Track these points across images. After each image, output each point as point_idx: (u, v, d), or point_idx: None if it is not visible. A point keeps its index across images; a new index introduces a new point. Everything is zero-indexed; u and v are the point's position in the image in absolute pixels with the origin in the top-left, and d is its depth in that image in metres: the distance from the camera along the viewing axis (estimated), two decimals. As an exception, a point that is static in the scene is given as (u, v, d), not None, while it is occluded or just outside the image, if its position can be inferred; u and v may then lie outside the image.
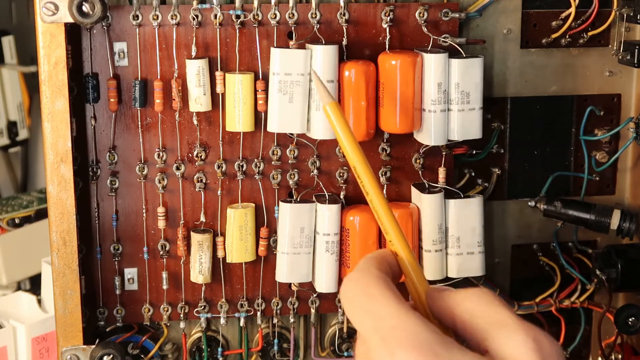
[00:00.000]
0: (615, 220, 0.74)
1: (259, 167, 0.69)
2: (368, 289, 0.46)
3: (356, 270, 0.48)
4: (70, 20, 0.62)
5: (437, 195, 0.69)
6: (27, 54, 1.22)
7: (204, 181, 0.69)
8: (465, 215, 0.70)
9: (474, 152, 0.72)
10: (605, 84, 0.76)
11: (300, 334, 0.74)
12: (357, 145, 0.53)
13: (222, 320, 0.72)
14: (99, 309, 0.71)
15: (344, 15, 0.67)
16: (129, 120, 0.68)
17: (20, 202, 1.04)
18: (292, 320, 0.73)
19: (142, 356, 0.72)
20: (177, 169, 0.69)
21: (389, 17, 0.68)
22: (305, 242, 0.68)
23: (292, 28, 0.67)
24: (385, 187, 0.70)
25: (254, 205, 0.70)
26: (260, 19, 0.67)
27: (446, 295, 0.48)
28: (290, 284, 0.71)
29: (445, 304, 0.47)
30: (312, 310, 0.72)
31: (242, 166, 0.69)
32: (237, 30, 0.67)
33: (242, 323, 0.72)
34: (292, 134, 0.68)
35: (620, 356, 0.77)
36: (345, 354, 0.75)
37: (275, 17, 0.67)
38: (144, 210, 0.69)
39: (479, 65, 0.67)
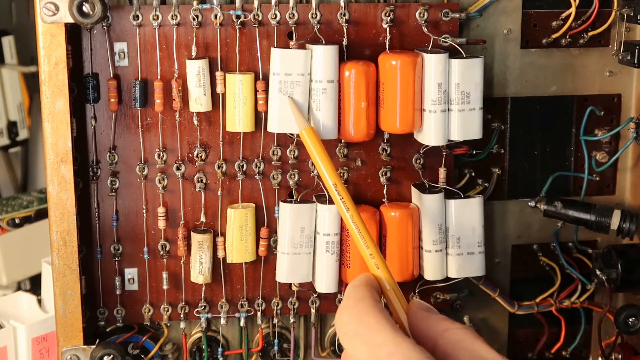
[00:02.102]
0: (615, 221, 0.74)
1: (259, 167, 0.69)
2: (364, 317, 0.49)
3: (350, 298, 0.51)
4: (70, 20, 0.62)
5: (438, 196, 0.69)
6: (27, 54, 1.22)
7: (204, 181, 0.69)
8: (466, 216, 0.70)
9: (474, 152, 0.72)
10: (605, 84, 0.75)
11: (301, 334, 0.74)
12: (333, 167, 0.60)
13: (222, 321, 0.72)
14: (99, 309, 0.70)
15: (344, 15, 0.67)
16: (129, 120, 0.68)
17: (20, 202, 1.04)
18: (292, 320, 0.73)
19: (142, 356, 0.72)
20: (178, 169, 0.69)
21: (389, 17, 0.68)
22: (306, 242, 0.68)
23: (293, 28, 0.67)
24: (385, 187, 0.70)
25: (254, 205, 0.70)
26: (260, 19, 0.67)
27: (431, 320, 0.50)
28: (291, 284, 0.71)
29: (428, 328, 0.50)
30: (312, 311, 0.72)
31: (242, 166, 0.69)
32: (237, 31, 0.67)
33: (242, 323, 0.72)
34: (292, 134, 0.68)
35: (620, 356, 0.77)
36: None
37: (275, 17, 0.67)
38: (144, 211, 0.69)
39: (479, 65, 0.67)
